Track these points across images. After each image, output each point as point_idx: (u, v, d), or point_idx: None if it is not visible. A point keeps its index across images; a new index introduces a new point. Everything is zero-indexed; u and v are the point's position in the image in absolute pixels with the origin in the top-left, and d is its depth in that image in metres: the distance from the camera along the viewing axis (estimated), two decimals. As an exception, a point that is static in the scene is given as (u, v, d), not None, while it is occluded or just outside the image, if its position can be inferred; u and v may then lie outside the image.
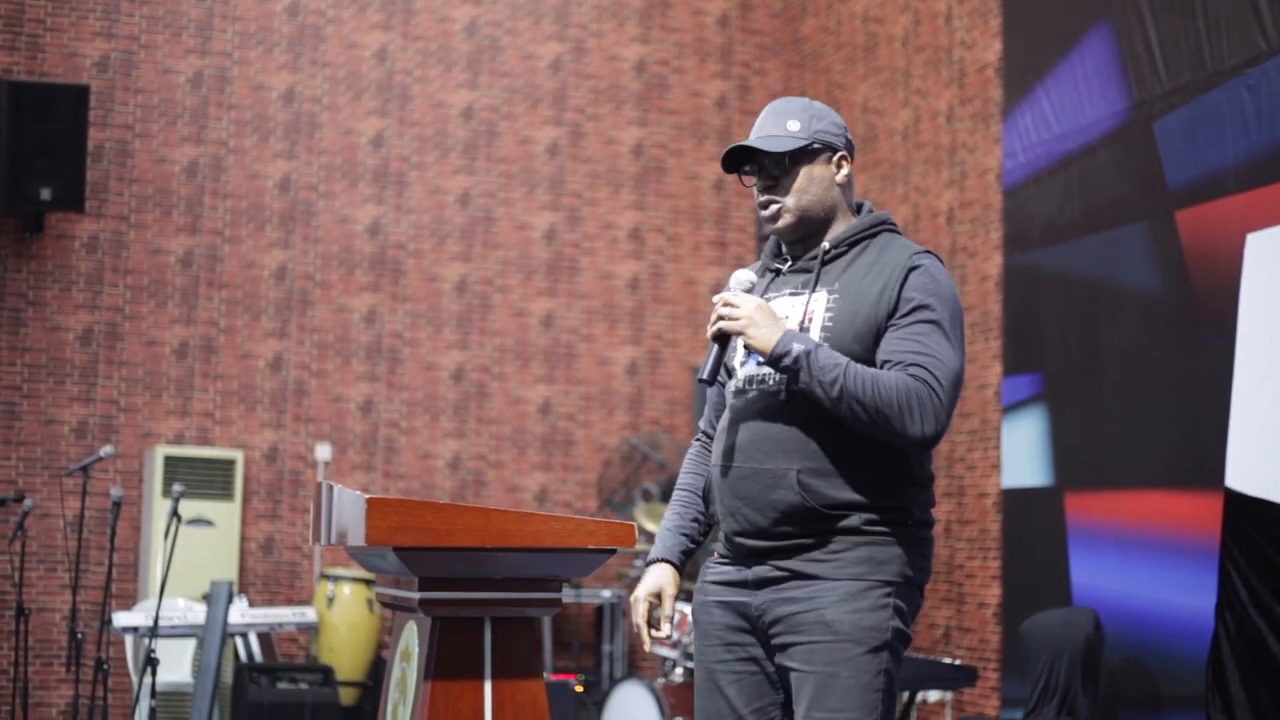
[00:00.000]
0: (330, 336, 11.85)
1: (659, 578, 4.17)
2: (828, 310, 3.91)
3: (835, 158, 4.05)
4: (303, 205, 11.91)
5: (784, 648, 3.87)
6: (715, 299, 3.96)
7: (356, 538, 4.20)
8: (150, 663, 9.15)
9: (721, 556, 4.07)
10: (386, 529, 4.17)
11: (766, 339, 3.84)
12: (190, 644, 10.14)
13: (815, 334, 3.88)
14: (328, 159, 11.96)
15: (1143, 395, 8.68)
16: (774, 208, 4.04)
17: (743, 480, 3.93)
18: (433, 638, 4.28)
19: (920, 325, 3.84)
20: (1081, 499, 9.15)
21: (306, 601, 11.26)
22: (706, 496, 4.24)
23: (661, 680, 9.06)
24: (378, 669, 10.79)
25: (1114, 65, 9.04)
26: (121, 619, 9.74)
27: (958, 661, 8.95)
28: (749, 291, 4.02)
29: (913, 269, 3.90)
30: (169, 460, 11.05)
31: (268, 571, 11.53)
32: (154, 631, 9.29)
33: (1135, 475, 8.73)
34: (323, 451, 11.45)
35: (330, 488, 4.52)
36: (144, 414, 11.45)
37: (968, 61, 10.38)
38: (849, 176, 4.08)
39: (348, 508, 4.29)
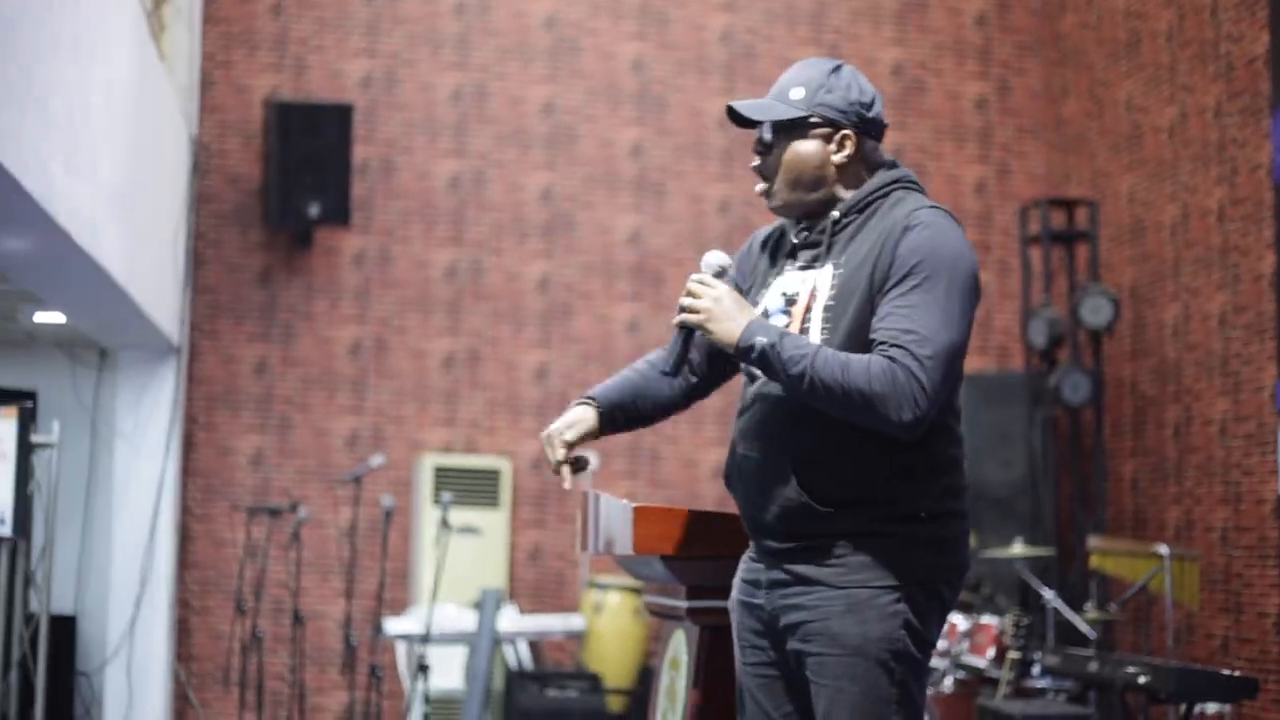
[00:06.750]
0: (593, 346, 11.93)
1: (579, 414, 4.08)
2: (831, 288, 3.66)
3: (837, 135, 3.75)
4: (563, 216, 12.01)
5: (798, 654, 3.68)
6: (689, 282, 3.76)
7: (624, 546, 4.20)
8: (422, 669, 9.31)
9: (750, 554, 3.87)
10: (653, 537, 4.17)
11: (728, 334, 3.64)
12: (461, 650, 10.28)
13: (817, 314, 3.65)
14: (587, 169, 12.05)
15: None
16: (759, 178, 3.83)
17: (748, 472, 3.76)
18: (701, 646, 4.27)
19: (909, 295, 3.55)
20: (1365, 503, 8.83)
21: (574, 609, 11.34)
22: (645, 392, 4.14)
23: (930, 690, 8.95)
24: (645, 676, 10.83)
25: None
26: (393, 626, 9.92)
27: (1237, 673, 8.70)
28: (720, 275, 3.76)
29: (908, 229, 3.60)
30: (438, 470, 11.22)
31: (535, 579, 11.64)
32: (425, 638, 9.45)
33: None
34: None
35: (597, 496, 4.53)
36: (412, 424, 11.65)
37: (1235, 55, 10.10)
38: (850, 158, 3.75)
39: (615, 516, 4.30)
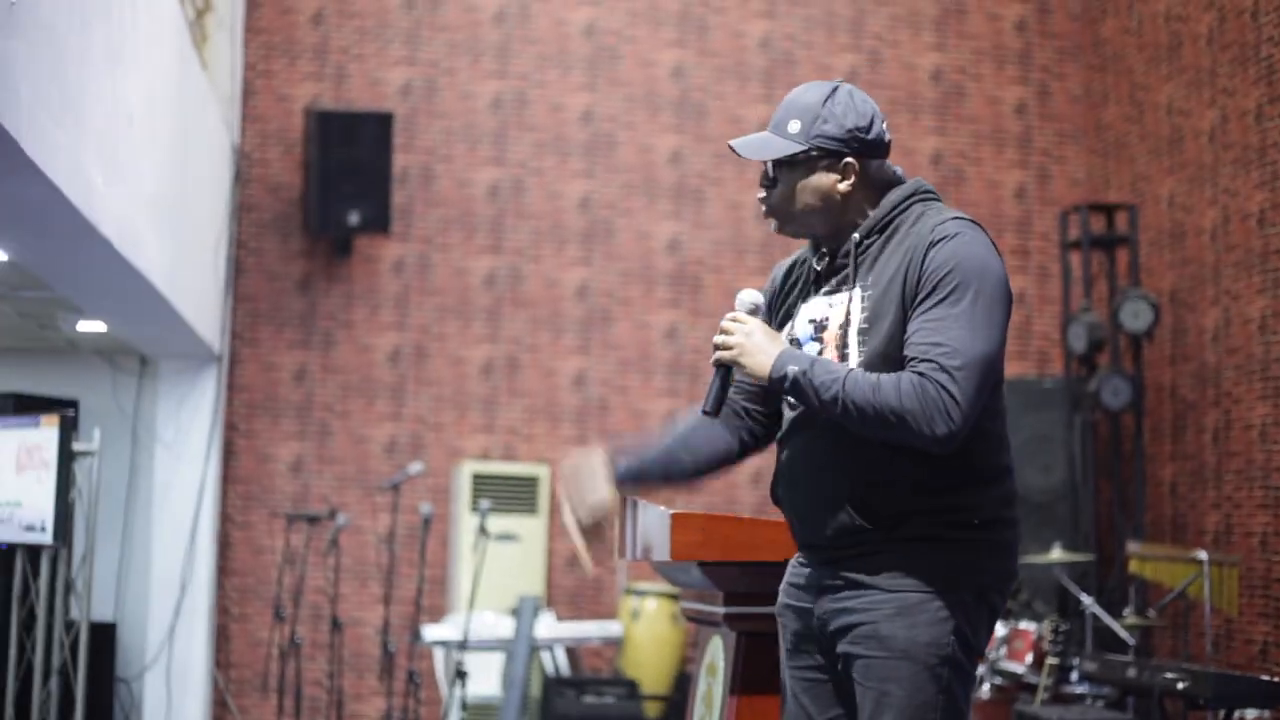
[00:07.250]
0: (631, 353, 11.94)
1: (601, 495, 3.91)
2: (863, 310, 3.66)
3: (839, 165, 3.73)
4: (602, 223, 12.03)
5: (846, 658, 3.66)
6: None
7: (661, 553, 4.21)
8: (460, 675, 9.33)
9: (799, 558, 3.86)
10: (691, 544, 4.17)
11: (761, 366, 3.64)
12: (498, 657, 10.30)
13: (853, 338, 3.66)
14: (626, 177, 12.06)
15: None
16: (765, 209, 3.84)
17: (800, 495, 3.75)
18: (738, 653, 4.27)
19: (937, 309, 3.55)
20: (1407, 509, 8.78)
21: (611, 616, 11.35)
22: (680, 454, 3.98)
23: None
24: (682, 683, 10.82)
25: None
26: (431, 632, 9.95)
27: (1276, 679, 8.66)
28: (753, 312, 3.78)
29: (934, 244, 3.60)
30: (476, 477, 11.24)
31: (573, 586, 11.66)
32: (463, 645, 9.47)
33: None
34: (625, 467, 11.51)
35: (634, 503, 4.54)
36: (451, 431, 11.67)
37: (1276, 57, 10.06)
38: (855, 184, 3.74)
39: (652, 523, 4.30)
